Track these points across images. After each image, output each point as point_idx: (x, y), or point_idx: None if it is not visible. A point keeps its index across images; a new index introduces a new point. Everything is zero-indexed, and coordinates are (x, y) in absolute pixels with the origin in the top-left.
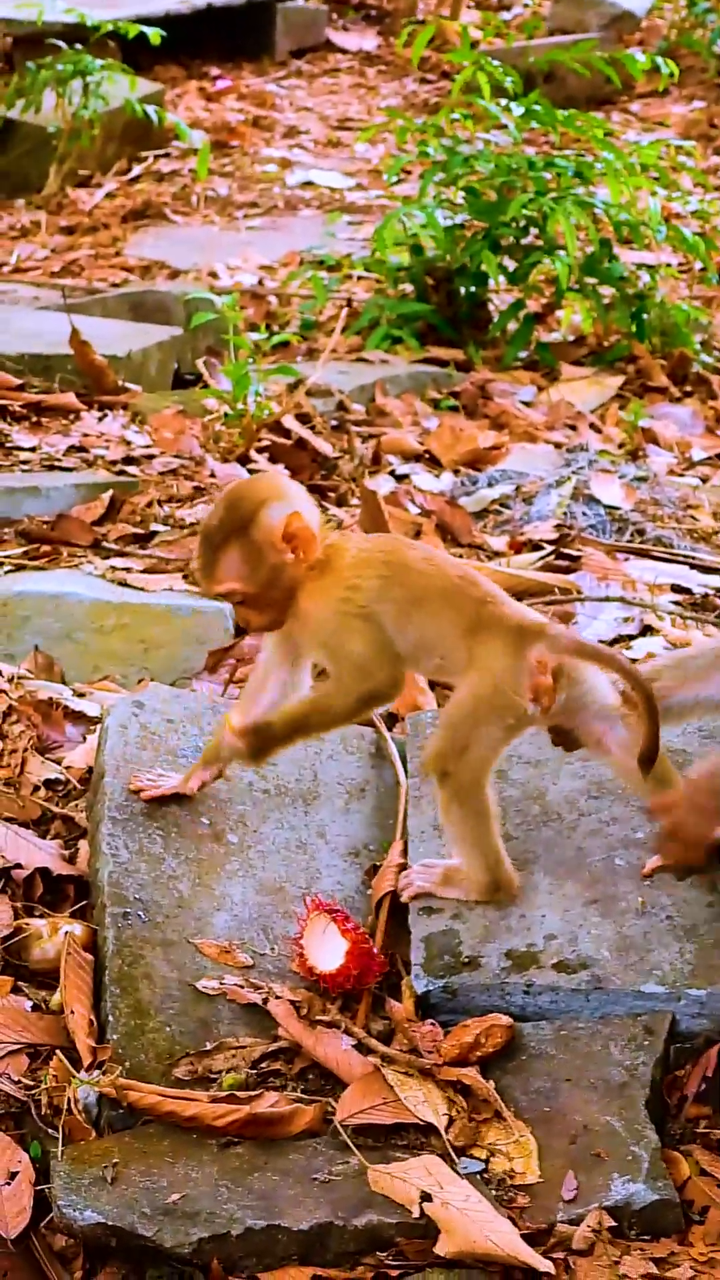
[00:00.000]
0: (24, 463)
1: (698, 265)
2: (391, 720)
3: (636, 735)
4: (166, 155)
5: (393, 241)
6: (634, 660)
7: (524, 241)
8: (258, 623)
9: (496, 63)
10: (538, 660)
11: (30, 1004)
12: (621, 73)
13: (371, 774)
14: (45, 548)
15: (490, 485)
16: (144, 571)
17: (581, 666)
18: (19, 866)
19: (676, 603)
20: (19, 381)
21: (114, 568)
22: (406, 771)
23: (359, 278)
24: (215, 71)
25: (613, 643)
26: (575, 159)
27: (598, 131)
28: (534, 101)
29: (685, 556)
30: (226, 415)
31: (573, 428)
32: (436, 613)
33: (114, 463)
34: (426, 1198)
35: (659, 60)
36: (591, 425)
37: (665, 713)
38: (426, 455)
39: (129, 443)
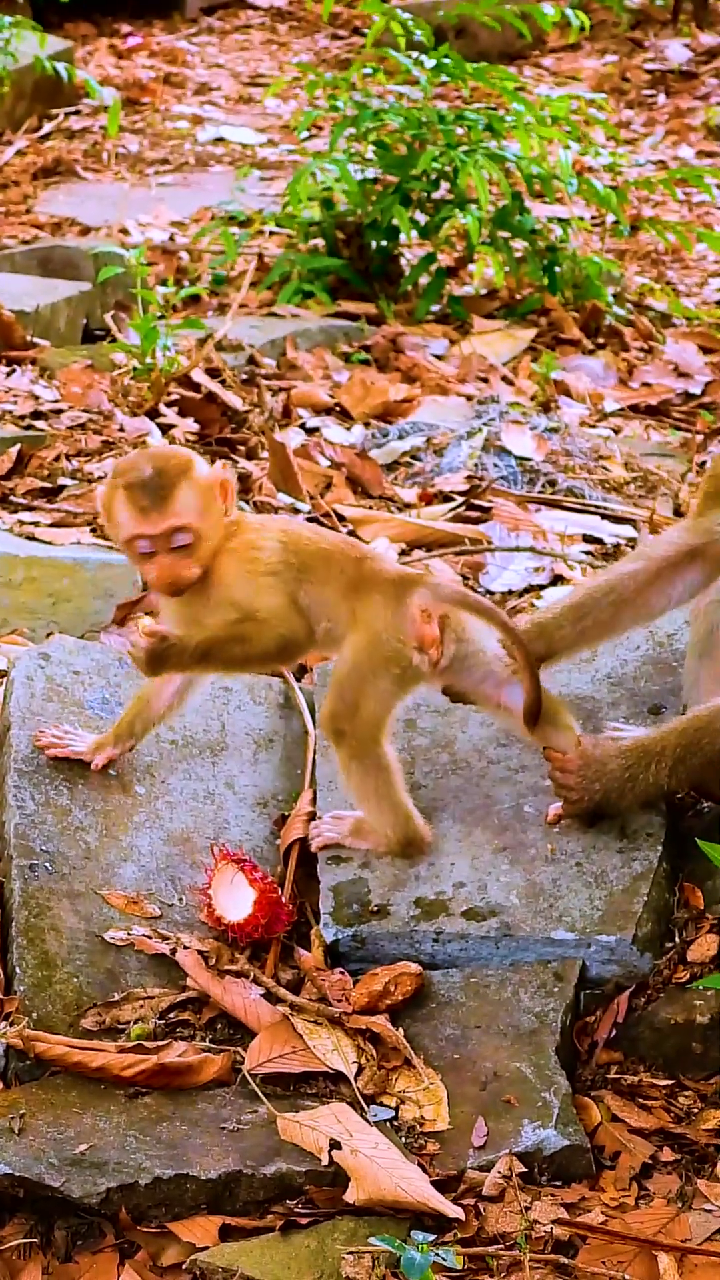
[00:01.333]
0: None
1: (610, 218)
2: (300, 670)
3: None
4: (77, 112)
5: (305, 196)
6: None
7: (435, 195)
8: (186, 576)
9: (408, 16)
10: (420, 609)
11: None
12: (532, 26)
13: (280, 724)
14: None
15: (401, 438)
16: (52, 525)
17: (470, 625)
18: None
19: (588, 553)
20: None
21: (21, 521)
22: (314, 721)
23: (270, 233)
24: (126, 29)
25: (524, 592)
26: (486, 112)
27: (508, 85)
28: (444, 55)
29: (597, 507)
30: (135, 370)
31: (485, 380)
32: (322, 578)
33: (22, 417)
34: (336, 1145)
35: (569, 13)
36: (503, 378)
37: (574, 663)
38: (337, 408)
39: (37, 397)
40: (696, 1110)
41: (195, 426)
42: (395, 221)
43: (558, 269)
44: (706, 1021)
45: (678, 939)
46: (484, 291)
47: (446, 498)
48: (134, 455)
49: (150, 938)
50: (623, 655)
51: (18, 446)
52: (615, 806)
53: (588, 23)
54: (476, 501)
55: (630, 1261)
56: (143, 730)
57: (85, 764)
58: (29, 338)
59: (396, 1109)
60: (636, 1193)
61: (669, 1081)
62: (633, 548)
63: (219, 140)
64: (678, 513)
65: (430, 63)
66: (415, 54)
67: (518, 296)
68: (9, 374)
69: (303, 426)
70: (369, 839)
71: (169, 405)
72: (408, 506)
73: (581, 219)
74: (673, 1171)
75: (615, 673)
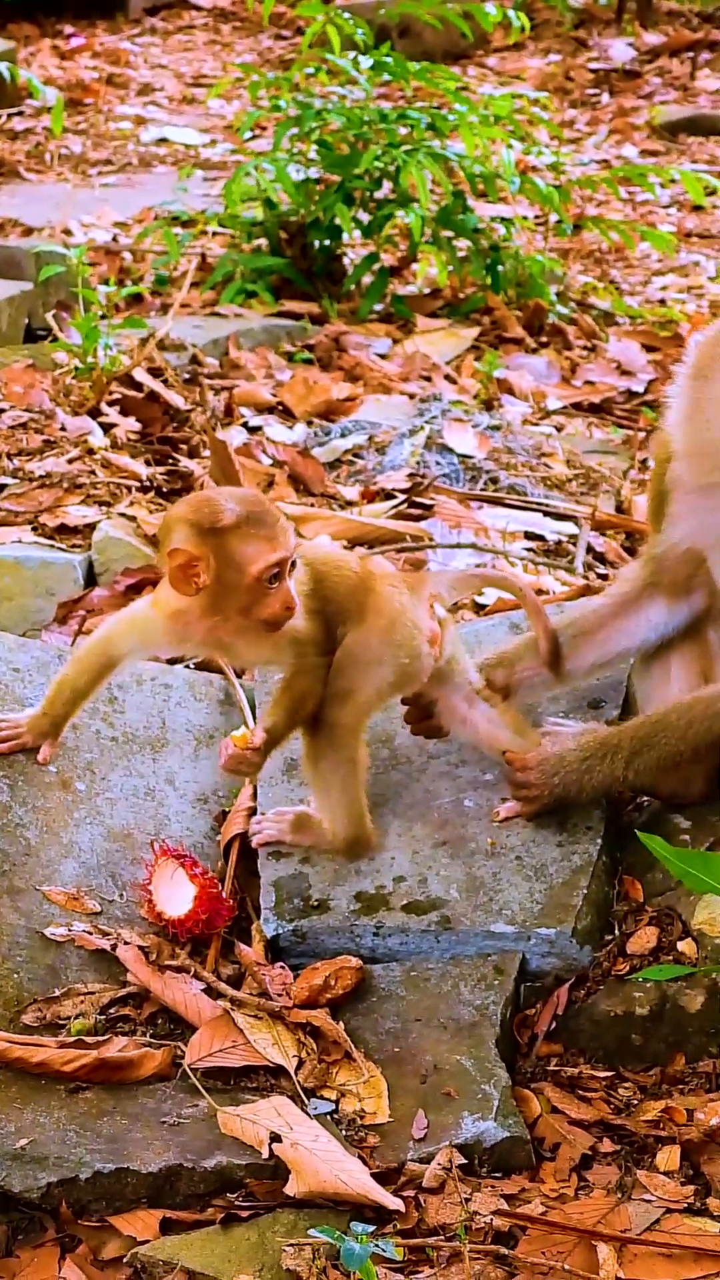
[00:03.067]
0: None
1: (553, 217)
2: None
3: (500, 711)
4: (20, 113)
5: (242, 196)
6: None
7: (378, 194)
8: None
9: (349, 17)
10: (432, 598)
11: None
12: (475, 26)
13: (220, 720)
14: None
15: (343, 436)
16: None
17: (451, 638)
18: None
19: (529, 550)
20: None
21: None
22: (255, 717)
23: (214, 233)
24: (69, 29)
25: None
26: (429, 112)
27: (450, 84)
28: (385, 54)
29: (538, 504)
30: (77, 369)
31: (428, 379)
32: (336, 583)
33: None
34: (276, 1139)
35: (510, 13)
36: (446, 376)
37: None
38: (280, 407)
39: None
40: (636, 1101)
41: (137, 425)
42: (338, 221)
43: (501, 268)
44: (646, 1013)
45: (617, 931)
46: (427, 290)
47: (388, 495)
48: (209, 499)
49: (91, 934)
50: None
51: None
52: (574, 800)
53: (528, 23)
54: (418, 499)
55: (570, 1252)
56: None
57: (26, 762)
58: None
59: (337, 1102)
60: (576, 1184)
61: (608, 1073)
62: (574, 544)
63: (162, 141)
64: (619, 510)
65: (368, 62)
66: (354, 54)
67: (461, 295)
68: None
69: (245, 425)
70: (311, 835)
71: (110, 404)
72: (350, 504)
73: (525, 218)
74: (612, 1162)
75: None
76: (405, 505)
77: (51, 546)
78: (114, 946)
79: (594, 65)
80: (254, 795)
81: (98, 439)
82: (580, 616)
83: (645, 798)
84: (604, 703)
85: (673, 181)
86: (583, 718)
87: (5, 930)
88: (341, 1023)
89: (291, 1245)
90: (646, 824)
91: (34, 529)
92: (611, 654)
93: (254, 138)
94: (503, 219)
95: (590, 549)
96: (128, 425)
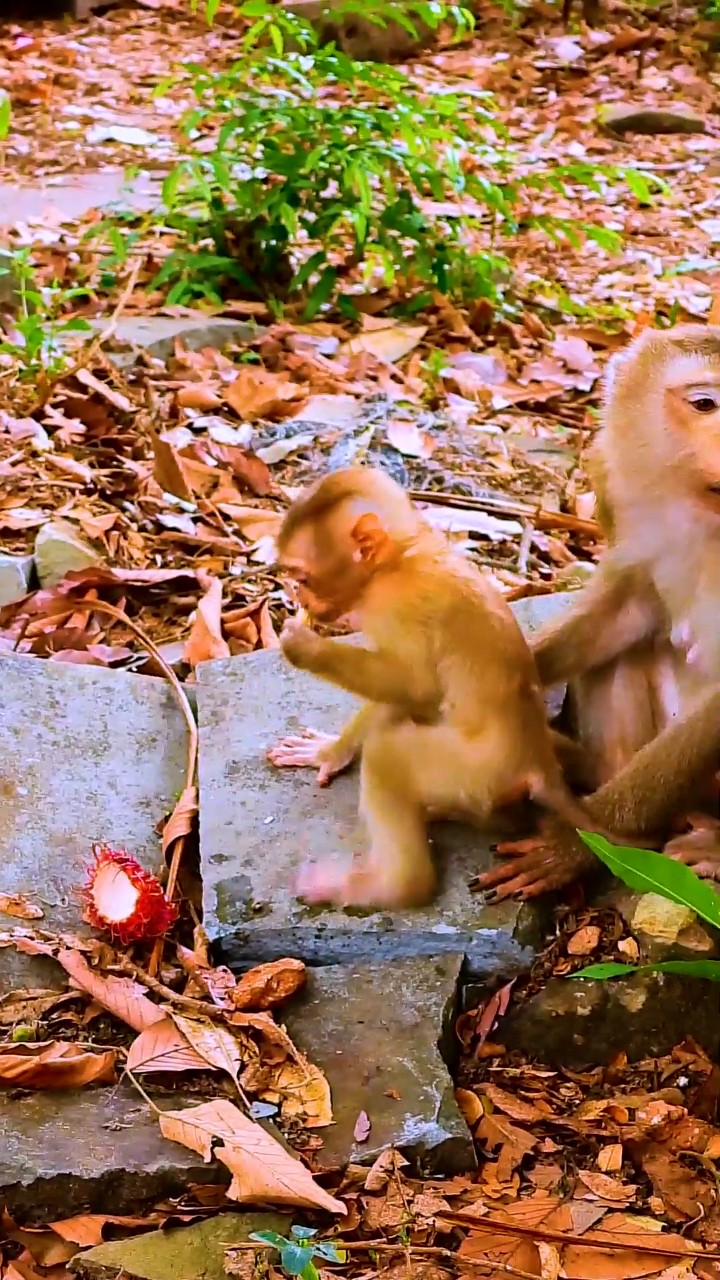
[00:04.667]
0: None
1: (499, 216)
2: (183, 670)
3: None
4: None
5: (190, 196)
6: None
7: (324, 194)
8: (315, 607)
9: (293, 17)
10: None
11: None
12: (420, 25)
13: (162, 724)
14: None
15: (288, 436)
16: None
17: None
18: None
19: (473, 549)
20: None
21: None
22: (197, 720)
23: (160, 233)
24: (16, 30)
25: None
26: (375, 112)
27: (394, 84)
28: (329, 54)
29: (483, 504)
30: (20, 371)
31: (374, 379)
32: (474, 670)
33: None
34: (218, 1143)
35: (455, 10)
36: (393, 376)
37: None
38: (225, 408)
39: None
40: (578, 1101)
41: (81, 428)
42: (283, 220)
43: (447, 267)
44: (588, 1013)
45: (559, 932)
46: (374, 290)
47: None
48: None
49: (33, 939)
50: None
51: None
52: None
53: (473, 21)
54: None
55: (512, 1252)
56: None
57: None
58: None
59: (279, 1105)
60: (518, 1184)
61: (550, 1073)
62: (518, 544)
63: (109, 141)
64: (564, 509)
65: (309, 62)
66: (295, 54)
67: (407, 295)
68: None
69: (190, 426)
70: (368, 892)
71: (55, 406)
72: None
73: (471, 217)
74: (554, 1163)
75: None
76: None
77: None
78: (56, 951)
79: (541, 64)
80: (196, 798)
81: (41, 441)
82: (568, 624)
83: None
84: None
85: (619, 180)
86: None
87: None
88: (284, 1025)
89: (234, 1249)
90: None
91: None
92: (599, 658)
93: (200, 137)
94: (449, 218)
95: (534, 548)
96: (72, 427)
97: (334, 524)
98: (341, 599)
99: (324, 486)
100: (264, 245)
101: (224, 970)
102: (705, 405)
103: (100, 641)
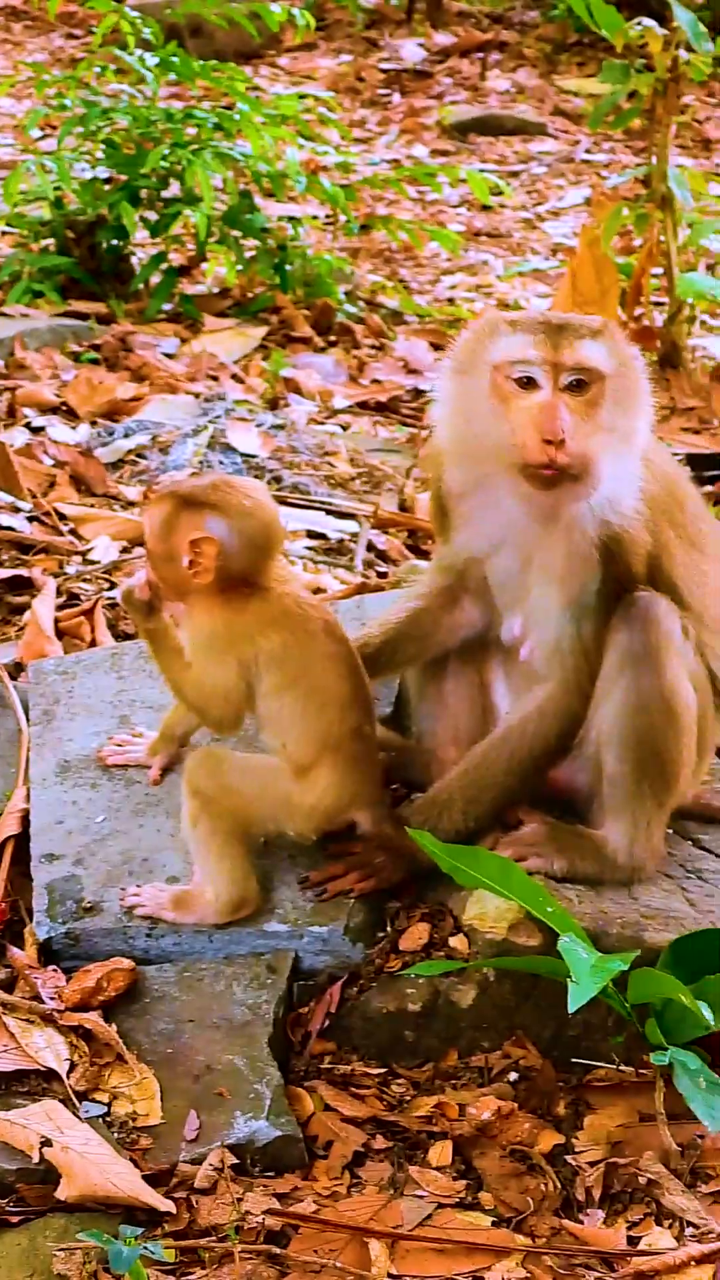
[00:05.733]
0: None
1: (341, 217)
2: (16, 669)
3: None
4: None
5: (19, 194)
6: None
7: (165, 194)
8: (149, 577)
9: (137, 15)
10: None
11: None
12: (262, 26)
13: None
14: None
15: (127, 436)
16: None
17: None
18: None
19: (310, 548)
20: None
21: None
22: (29, 719)
23: (1, 233)
24: None
25: None
26: (217, 111)
27: (237, 84)
28: (171, 53)
29: (321, 503)
30: None
31: (215, 378)
32: (306, 712)
33: None
34: (47, 1143)
35: (295, 12)
36: (233, 376)
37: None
38: (64, 407)
39: None
40: (409, 1098)
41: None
42: (124, 220)
43: (289, 267)
44: (418, 1010)
45: (390, 928)
46: (215, 290)
47: None
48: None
49: None
50: None
51: None
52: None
53: (313, 23)
54: None
55: (342, 1249)
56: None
57: None
58: None
59: (109, 1105)
60: (349, 1181)
61: (381, 1070)
62: (355, 543)
63: None
64: (402, 507)
65: (153, 60)
66: (140, 53)
67: (249, 295)
68: None
69: (28, 426)
70: (194, 912)
71: None
72: (132, 505)
73: (314, 218)
74: (385, 1159)
75: None
76: None
77: None
78: None
79: (385, 65)
80: (27, 797)
81: None
82: (407, 617)
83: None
84: (376, 698)
85: (461, 181)
86: None
87: None
88: (114, 1025)
89: (62, 1250)
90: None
91: None
92: (436, 652)
93: (43, 137)
94: (291, 218)
95: (372, 547)
96: None
97: (182, 521)
98: (165, 587)
99: (209, 486)
100: (105, 245)
101: (54, 970)
102: (527, 383)
103: None
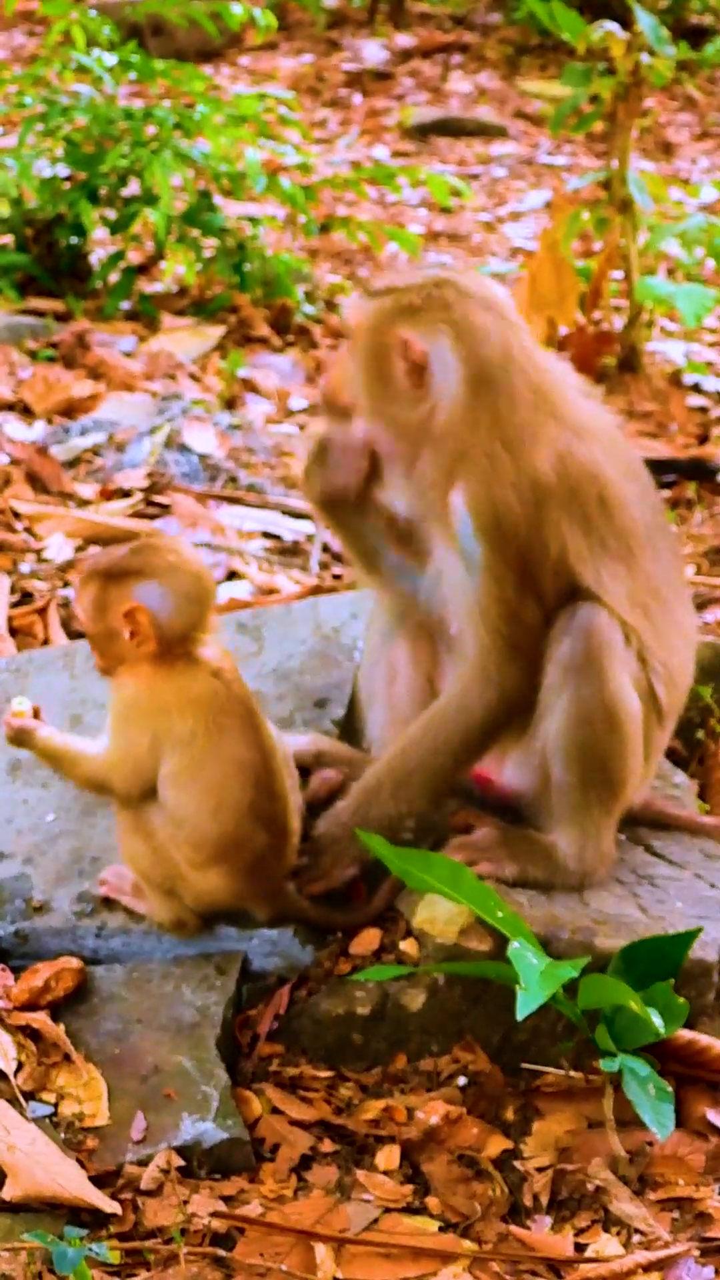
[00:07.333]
0: None
1: (301, 217)
2: None
3: None
4: None
5: None
6: None
7: (124, 193)
8: (96, 659)
9: (96, 14)
10: None
11: None
12: (223, 25)
13: None
14: None
15: (83, 434)
16: None
17: None
18: None
19: (265, 549)
20: None
21: None
22: None
23: None
24: None
25: None
26: (177, 111)
27: (196, 84)
28: (131, 53)
29: (277, 503)
30: None
31: (172, 377)
32: (204, 806)
33: None
34: None
35: (256, 12)
36: (191, 375)
37: (241, 658)
38: (20, 404)
39: None
40: (357, 1101)
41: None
42: (82, 218)
43: (248, 267)
44: (367, 1013)
45: (340, 931)
46: (174, 289)
47: (126, 494)
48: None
49: None
50: (289, 649)
51: None
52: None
53: (274, 23)
54: (157, 498)
55: (288, 1253)
56: None
57: None
58: None
59: (56, 1105)
60: (295, 1184)
61: (329, 1073)
62: (311, 544)
63: None
64: None
65: (112, 60)
66: (98, 52)
67: (207, 294)
68: None
69: None
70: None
71: None
72: (87, 503)
73: (273, 218)
74: (332, 1162)
75: (281, 666)
76: (143, 504)
77: None
78: None
79: (347, 66)
80: None
81: None
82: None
83: None
84: (329, 701)
85: (421, 183)
86: (307, 716)
87: None
88: (62, 1025)
89: (6, 1250)
90: None
91: None
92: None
93: (2, 134)
94: (250, 218)
95: (327, 548)
96: None
97: (113, 598)
98: (110, 663)
99: (130, 552)
100: (64, 243)
101: (2, 969)
102: None
103: None
